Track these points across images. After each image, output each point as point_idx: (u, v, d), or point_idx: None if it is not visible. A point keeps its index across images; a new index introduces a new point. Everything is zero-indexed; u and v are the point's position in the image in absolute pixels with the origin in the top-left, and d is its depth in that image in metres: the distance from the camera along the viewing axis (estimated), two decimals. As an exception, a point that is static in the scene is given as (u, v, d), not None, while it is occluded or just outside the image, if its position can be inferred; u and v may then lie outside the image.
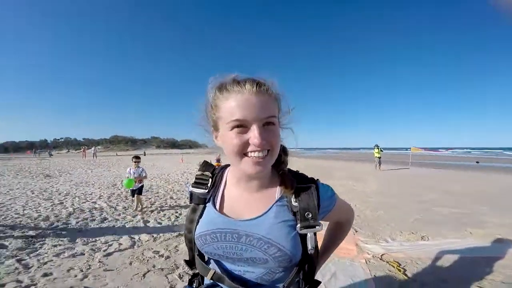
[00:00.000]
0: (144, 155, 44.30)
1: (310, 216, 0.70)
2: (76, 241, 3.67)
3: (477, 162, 23.35)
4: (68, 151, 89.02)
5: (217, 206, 0.77)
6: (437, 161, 23.34)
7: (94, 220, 4.71)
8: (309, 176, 0.81)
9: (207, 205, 0.79)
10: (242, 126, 0.63)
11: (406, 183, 9.77)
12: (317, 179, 0.79)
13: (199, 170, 0.84)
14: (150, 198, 6.70)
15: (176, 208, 5.76)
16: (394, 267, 2.87)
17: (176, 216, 5.06)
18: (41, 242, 3.59)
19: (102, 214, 5.14)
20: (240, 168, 0.67)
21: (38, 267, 2.87)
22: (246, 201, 0.76)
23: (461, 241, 3.61)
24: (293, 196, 0.72)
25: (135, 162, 5.65)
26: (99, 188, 8.39)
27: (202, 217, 0.77)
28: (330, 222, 1.00)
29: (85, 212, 5.23)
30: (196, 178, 0.83)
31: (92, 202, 6.17)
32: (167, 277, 2.69)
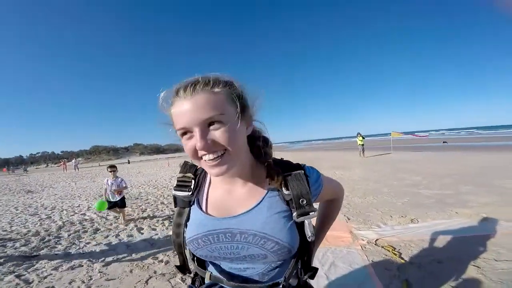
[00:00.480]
0: (128, 163, 43.38)
1: (305, 202, 0.67)
2: (72, 253, 3.61)
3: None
4: (47, 166, 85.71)
5: (203, 207, 0.75)
6: (416, 144, 24.17)
7: (86, 231, 4.62)
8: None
9: (192, 207, 0.76)
10: (187, 132, 0.60)
11: (390, 167, 10.09)
12: (303, 164, 0.77)
13: (180, 172, 0.81)
14: (140, 206, 6.60)
15: (169, 213, 5.70)
16: (389, 251, 2.96)
17: (169, 221, 5.01)
18: (36, 257, 3.51)
19: (93, 225, 5.03)
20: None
21: (39, 282, 2.83)
22: (234, 197, 0.74)
23: (449, 222, 3.73)
24: (283, 185, 0.69)
25: (111, 171, 5.12)
26: (86, 200, 8.17)
27: (190, 220, 0.75)
28: (321, 201, 0.96)
29: (76, 225, 5.11)
30: (178, 181, 0.79)
31: (81, 214, 6.02)
32: (170, 282, 2.69)
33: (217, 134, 0.59)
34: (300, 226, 0.69)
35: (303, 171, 0.71)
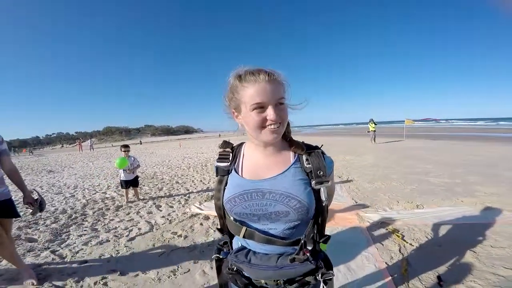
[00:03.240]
0: (140, 143, 44.29)
1: (322, 173, 0.85)
2: (98, 229, 3.93)
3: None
4: (62, 146, 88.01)
5: (240, 173, 0.93)
6: (429, 133, 23.81)
7: (109, 209, 4.97)
8: None
9: (230, 174, 0.94)
10: (261, 107, 0.80)
11: (401, 155, 10.12)
12: (321, 145, 0.97)
13: (220, 148, 1.01)
14: (157, 185, 6.98)
15: (184, 192, 6.02)
16: (392, 233, 3.16)
17: (185, 199, 5.34)
18: (67, 233, 3.83)
19: (115, 203, 5.39)
20: (260, 138, 0.84)
21: (72, 257, 3.11)
22: (265, 165, 0.91)
23: (454, 209, 3.84)
24: (305, 159, 0.88)
25: (124, 151, 5.38)
26: (104, 179, 8.62)
27: (228, 184, 0.92)
28: None
29: (99, 203, 5.48)
30: (219, 155, 0.99)
31: (103, 193, 6.41)
32: (189, 254, 2.98)
33: (281, 111, 0.82)
34: (316, 193, 0.86)
35: (321, 151, 0.92)
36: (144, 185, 6.95)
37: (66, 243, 3.51)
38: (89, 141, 32.95)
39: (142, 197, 5.65)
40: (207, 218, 4.06)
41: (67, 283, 2.54)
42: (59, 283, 2.54)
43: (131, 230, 3.81)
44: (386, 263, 2.54)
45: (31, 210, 2.44)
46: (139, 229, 3.84)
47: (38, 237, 3.71)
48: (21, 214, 2.77)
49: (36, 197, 2.50)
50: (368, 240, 3.02)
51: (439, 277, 2.25)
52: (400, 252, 2.74)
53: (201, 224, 3.84)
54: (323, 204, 0.87)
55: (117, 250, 3.20)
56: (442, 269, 2.39)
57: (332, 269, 0.93)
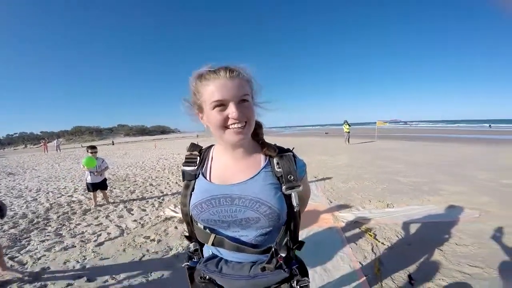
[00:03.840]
0: (113, 144, 42.49)
1: (292, 178, 0.82)
2: (63, 234, 3.68)
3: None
4: (26, 147, 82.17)
5: (207, 177, 0.88)
6: (399, 134, 24.91)
7: (75, 213, 4.68)
8: None
9: (197, 179, 0.89)
10: (221, 105, 0.75)
11: (373, 155, 10.46)
12: (293, 148, 0.93)
13: (188, 151, 0.96)
14: (129, 187, 6.69)
15: (158, 194, 5.81)
16: (365, 232, 3.25)
17: (159, 202, 5.15)
18: (27, 239, 3.57)
19: (82, 206, 5.09)
20: (224, 139, 0.80)
21: (34, 263, 2.89)
22: (234, 168, 0.87)
23: (421, 208, 4.02)
24: (276, 163, 0.85)
25: (91, 153, 5.01)
26: (71, 181, 8.16)
27: (195, 189, 0.87)
28: None
29: (64, 206, 5.15)
30: (186, 158, 0.94)
31: (69, 196, 6.04)
32: (163, 259, 2.86)
33: (245, 109, 0.77)
34: (288, 199, 0.82)
35: (292, 154, 0.89)
36: (114, 188, 6.66)
37: (27, 249, 3.27)
38: (55, 141, 30.91)
39: (112, 201, 5.39)
40: (182, 221, 3.93)
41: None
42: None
43: (100, 235, 3.61)
44: (360, 263, 2.59)
45: None
46: (109, 233, 3.65)
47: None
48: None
49: None
50: (343, 240, 3.07)
51: (410, 276, 2.32)
52: (373, 251, 2.80)
53: (176, 227, 3.72)
54: (295, 210, 0.83)
55: (84, 256, 3.02)
56: (412, 267, 2.47)
57: (307, 276, 0.90)
